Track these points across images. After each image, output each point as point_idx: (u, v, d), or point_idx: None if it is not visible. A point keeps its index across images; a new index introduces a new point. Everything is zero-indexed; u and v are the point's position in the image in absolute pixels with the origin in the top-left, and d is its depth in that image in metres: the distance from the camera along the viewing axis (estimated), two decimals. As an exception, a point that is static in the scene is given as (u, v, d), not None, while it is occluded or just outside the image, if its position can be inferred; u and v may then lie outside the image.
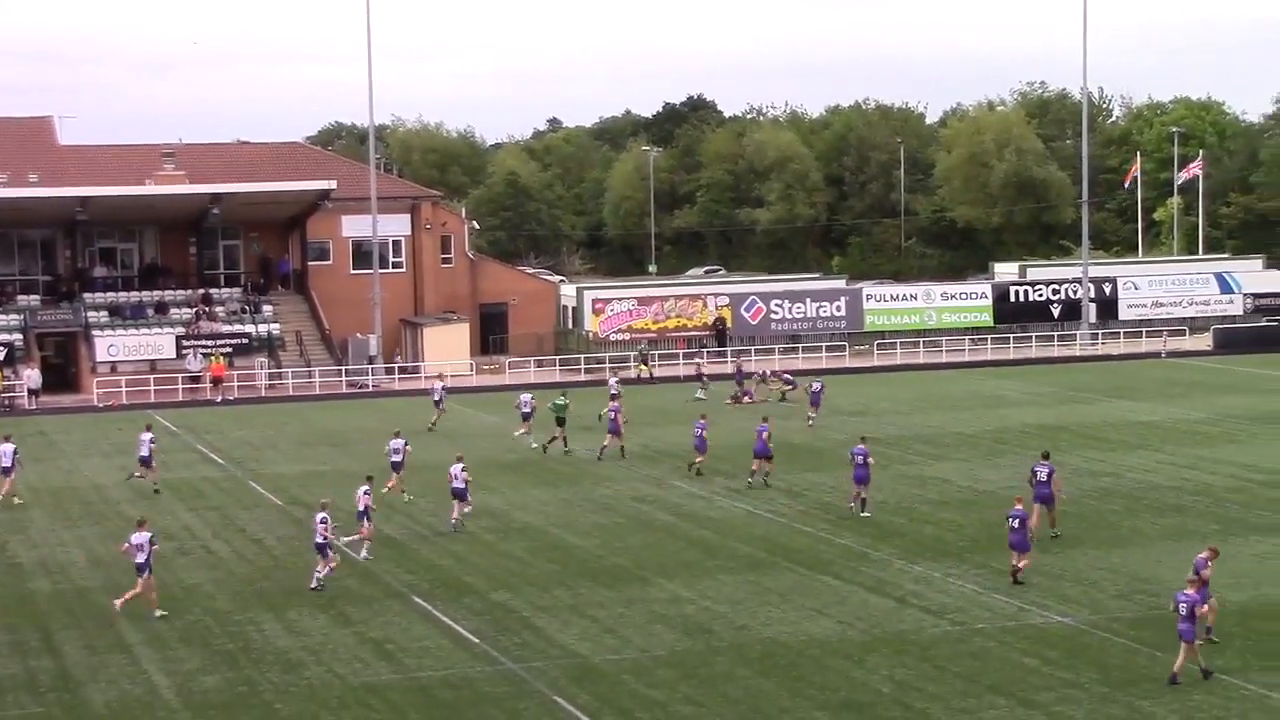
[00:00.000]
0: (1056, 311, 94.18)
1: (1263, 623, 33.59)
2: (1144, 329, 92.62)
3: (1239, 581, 37.27)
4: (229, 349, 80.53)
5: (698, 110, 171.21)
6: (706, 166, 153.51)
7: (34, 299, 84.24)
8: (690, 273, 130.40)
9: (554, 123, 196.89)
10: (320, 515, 38.71)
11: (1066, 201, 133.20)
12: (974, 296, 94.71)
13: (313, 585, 38.46)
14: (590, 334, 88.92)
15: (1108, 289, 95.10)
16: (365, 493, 41.64)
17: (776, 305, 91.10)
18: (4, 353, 78.71)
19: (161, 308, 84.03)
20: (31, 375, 76.36)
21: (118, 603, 36.49)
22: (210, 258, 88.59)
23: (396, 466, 50.08)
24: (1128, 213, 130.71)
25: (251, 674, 32.06)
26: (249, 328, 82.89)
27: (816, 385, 65.39)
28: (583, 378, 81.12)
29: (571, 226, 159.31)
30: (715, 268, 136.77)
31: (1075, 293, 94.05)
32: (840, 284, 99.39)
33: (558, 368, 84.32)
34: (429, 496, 49.63)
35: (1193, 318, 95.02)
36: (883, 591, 37.28)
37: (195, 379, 79.05)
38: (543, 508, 47.79)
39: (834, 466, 52.73)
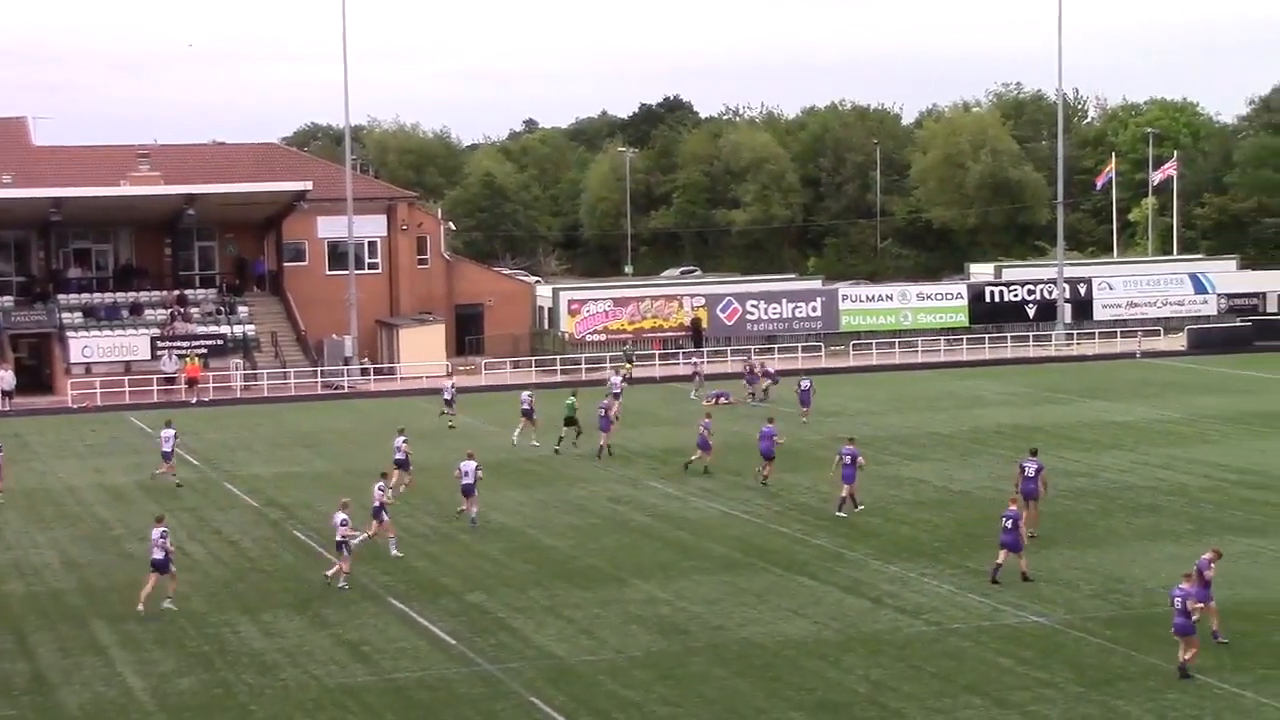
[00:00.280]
0: (1032, 312, 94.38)
1: (1236, 623, 33.68)
2: (1119, 329, 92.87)
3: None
4: (204, 350, 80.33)
5: (674, 111, 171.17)
6: (682, 167, 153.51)
7: (8, 300, 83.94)
8: (666, 273, 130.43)
9: (530, 123, 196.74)
10: (340, 516, 38.83)
11: (1042, 202, 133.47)
12: (949, 297, 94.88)
13: (329, 572, 38.79)
14: (566, 335, 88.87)
15: (1083, 289, 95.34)
16: (380, 489, 42.05)
17: (752, 306, 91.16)
18: (-22, 354, 78.46)
19: (136, 309, 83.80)
20: (5, 377, 76.05)
21: (140, 608, 36.42)
22: (185, 259, 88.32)
23: (401, 465, 50.11)
24: (1103, 213, 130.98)
25: (227, 676, 32.00)
26: (224, 329, 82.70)
27: (805, 383, 65.82)
28: (559, 378, 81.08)
29: (548, 227, 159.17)
30: (691, 269, 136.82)
31: (1050, 293, 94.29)
32: (816, 285, 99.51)
33: (534, 369, 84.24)
34: (404, 498, 49.57)
35: (1167, 318, 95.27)
36: (858, 592, 37.34)
37: (170, 380, 78.85)
38: (518, 509, 47.76)
39: (809, 467, 52.80)
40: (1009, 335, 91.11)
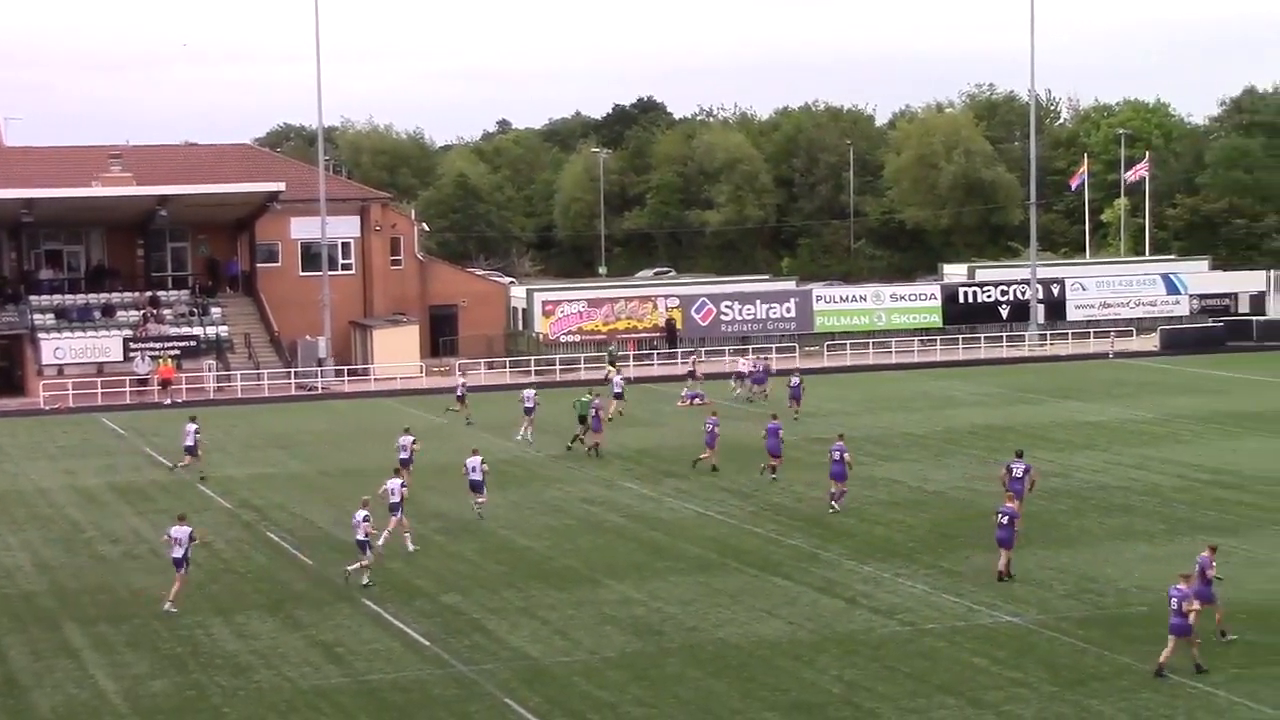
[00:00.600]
0: (1005, 312, 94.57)
1: (1208, 622, 33.71)
2: (1091, 330, 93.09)
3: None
4: (177, 351, 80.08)
5: (647, 112, 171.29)
6: (656, 168, 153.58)
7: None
8: (640, 274, 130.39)
9: (503, 124, 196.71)
10: (362, 513, 38.90)
11: (1014, 203, 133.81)
12: (923, 298, 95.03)
13: (350, 567, 38.85)
14: (540, 336, 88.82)
15: (1055, 290, 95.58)
16: (401, 486, 42.52)
17: (727, 307, 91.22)
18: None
19: (108, 310, 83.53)
20: (-23, 378, 75.79)
21: (168, 606, 36.57)
22: (158, 260, 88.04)
23: (405, 464, 50.14)
24: (1075, 214, 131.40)
25: (200, 678, 31.91)
26: (197, 330, 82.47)
27: (795, 380, 66.53)
28: (534, 379, 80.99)
29: (521, 228, 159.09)
30: (665, 269, 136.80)
31: (1023, 294, 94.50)
32: (790, 285, 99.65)
33: (508, 370, 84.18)
34: (379, 499, 49.45)
35: (1139, 318, 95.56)
36: (833, 592, 37.38)
37: (143, 381, 78.60)
38: (493, 510, 47.66)
39: (785, 467, 52.80)
40: (982, 336, 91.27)
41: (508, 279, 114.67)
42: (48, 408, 74.99)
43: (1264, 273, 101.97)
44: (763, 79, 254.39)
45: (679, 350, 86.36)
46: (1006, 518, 37.92)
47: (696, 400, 70.03)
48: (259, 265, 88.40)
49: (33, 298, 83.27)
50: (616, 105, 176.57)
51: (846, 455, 46.36)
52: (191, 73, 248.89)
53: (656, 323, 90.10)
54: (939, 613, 35.38)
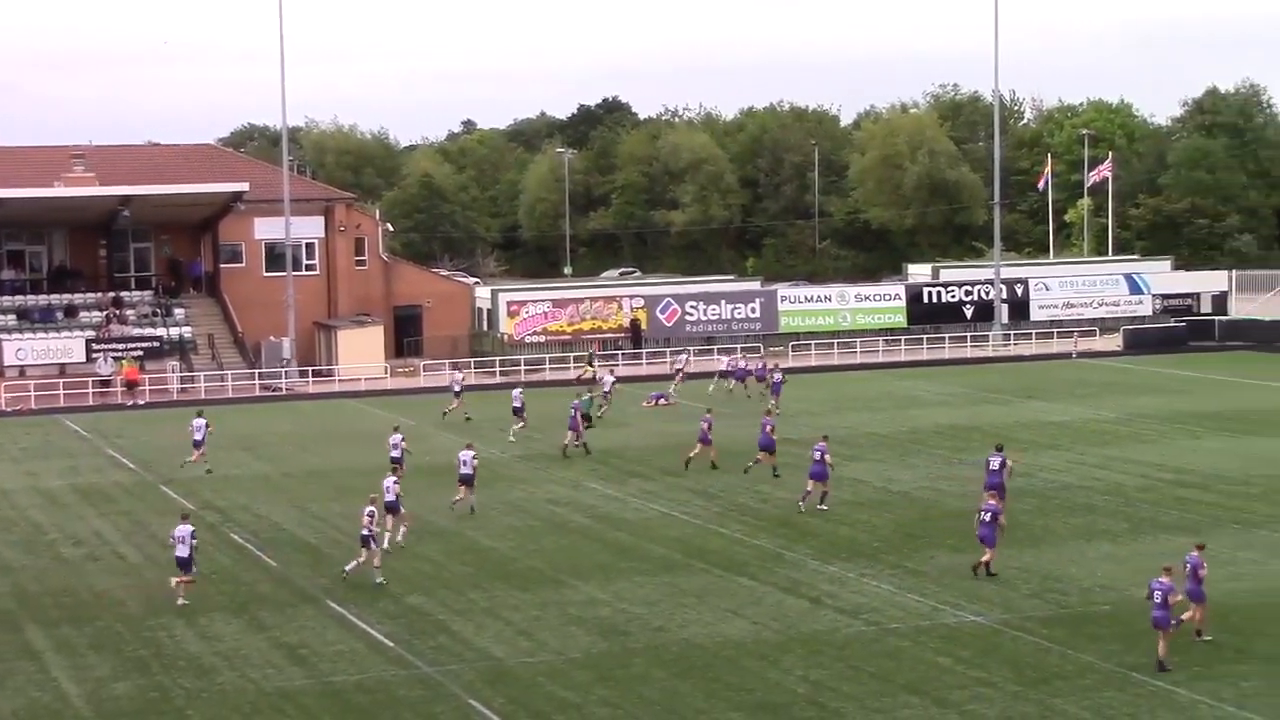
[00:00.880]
0: (969, 312, 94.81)
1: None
2: (1055, 330, 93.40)
3: (1147, 579, 37.56)
4: (140, 352, 79.70)
5: (612, 112, 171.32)
6: (621, 168, 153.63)
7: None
8: (605, 275, 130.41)
9: (469, 124, 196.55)
10: (368, 509, 39.12)
11: (979, 203, 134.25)
12: (888, 298, 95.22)
13: (344, 573, 38.96)
14: (505, 336, 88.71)
15: (1019, 290, 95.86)
16: (395, 483, 42.77)
17: (692, 307, 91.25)
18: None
19: (71, 311, 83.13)
20: (-62, 379, 75.34)
21: (180, 601, 37.04)
22: (121, 260, 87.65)
23: (397, 461, 50.25)
24: (1039, 214, 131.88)
25: (163, 680, 31.77)
26: (160, 331, 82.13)
27: (778, 376, 67.34)
28: (498, 380, 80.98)
29: (486, 228, 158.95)
30: (630, 270, 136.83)
31: (987, 294, 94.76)
32: (755, 285, 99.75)
33: (473, 370, 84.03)
34: (343, 500, 49.43)
35: (1103, 318, 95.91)
36: (798, 592, 37.42)
37: (105, 383, 78.24)
38: (457, 510, 47.58)
39: (748, 467, 52.91)
40: (947, 336, 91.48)
41: (472, 279, 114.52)
42: (9, 409, 74.56)
43: (1226, 273, 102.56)
44: (727, 79, 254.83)
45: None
46: (989, 515, 38.12)
47: (661, 401, 70.02)
48: (223, 266, 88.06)
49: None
50: (581, 105, 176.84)
51: (827, 456, 46.50)
52: (155, 72, 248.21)
53: (621, 323, 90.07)
54: (904, 612, 35.45)
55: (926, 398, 71.51)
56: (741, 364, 74.56)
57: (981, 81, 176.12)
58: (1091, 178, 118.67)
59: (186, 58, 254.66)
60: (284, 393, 79.50)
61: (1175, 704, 29.17)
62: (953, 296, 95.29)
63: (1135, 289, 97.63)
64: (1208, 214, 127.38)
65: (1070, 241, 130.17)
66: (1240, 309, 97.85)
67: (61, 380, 77.85)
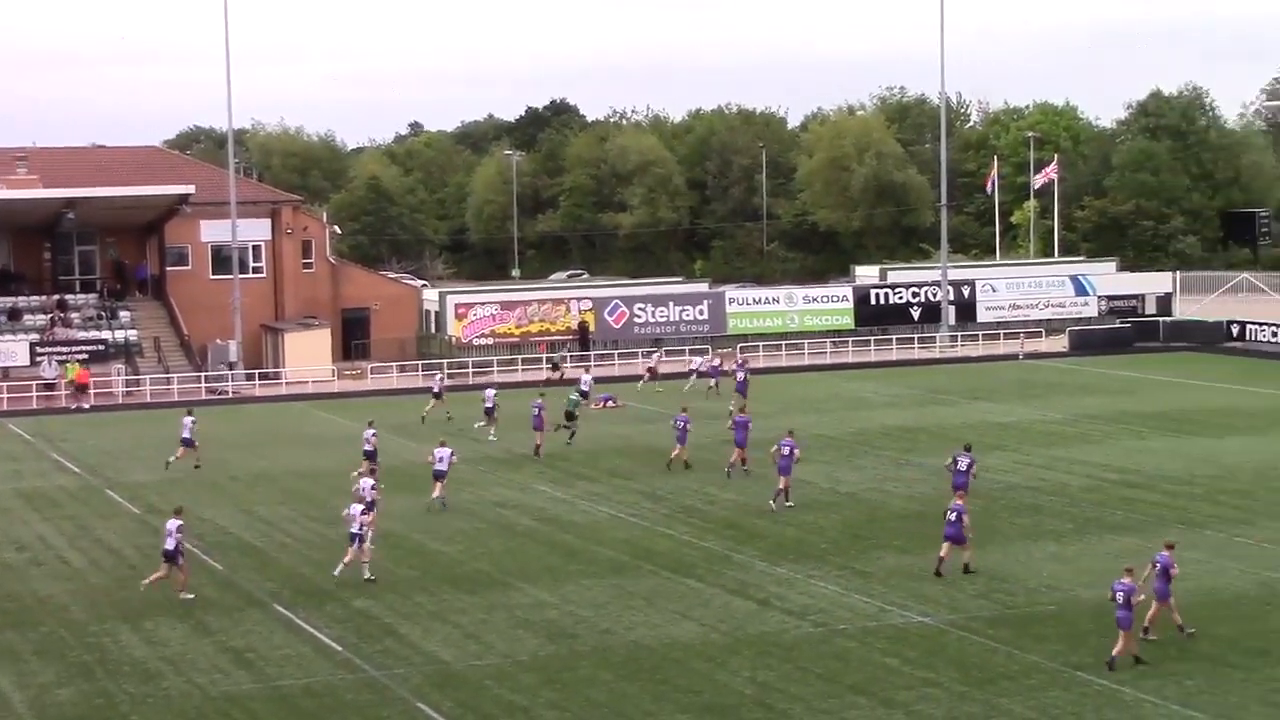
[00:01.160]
0: (916, 314, 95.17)
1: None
2: (1002, 331, 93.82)
3: (1093, 579, 37.88)
4: (85, 356, 79.20)
5: (560, 114, 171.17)
6: (569, 170, 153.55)
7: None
8: (554, 277, 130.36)
9: (415, 126, 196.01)
10: (359, 507, 39.55)
11: (926, 205, 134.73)
12: (835, 299, 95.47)
13: (336, 573, 39.02)
14: (453, 339, 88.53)
15: (966, 292, 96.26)
16: (373, 486, 42.99)
17: (640, 309, 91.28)
18: None
19: (15, 314, 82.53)
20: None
21: (184, 595, 37.51)
22: (65, 263, 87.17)
23: (370, 456, 50.82)
24: (985, 216, 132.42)
25: (108, 686, 31.57)
26: (105, 334, 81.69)
27: (741, 375, 68.78)
28: (448, 383, 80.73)
29: (434, 231, 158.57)
30: (578, 272, 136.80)
31: (934, 295, 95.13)
32: (703, 287, 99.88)
33: (420, 373, 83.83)
34: (290, 504, 49.26)
35: (1049, 320, 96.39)
36: (745, 594, 37.47)
37: (50, 386, 77.72)
38: (405, 513, 47.46)
39: (697, 469, 53.04)
40: (894, 337, 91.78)
41: (420, 282, 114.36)
42: (-47, 413, 74.00)
43: (1170, 274, 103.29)
44: (675, 82, 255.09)
45: (592, 352, 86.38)
46: (955, 514, 38.36)
47: (609, 403, 70.04)
48: (169, 268, 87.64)
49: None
50: (529, 108, 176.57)
51: (796, 451, 46.90)
52: (99, 74, 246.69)
53: (569, 325, 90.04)
54: (851, 613, 35.55)
55: (874, 399, 71.74)
56: (715, 363, 75.16)
57: (928, 84, 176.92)
58: (1038, 180, 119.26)
59: (131, 59, 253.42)
60: (230, 396, 79.16)
61: (1120, 702, 29.34)
62: (900, 298, 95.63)
63: (1081, 290, 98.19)
64: (1152, 216, 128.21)
65: (1016, 243, 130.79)
66: (1184, 310, 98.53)
67: (5, 384, 77.27)
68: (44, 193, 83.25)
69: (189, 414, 57.90)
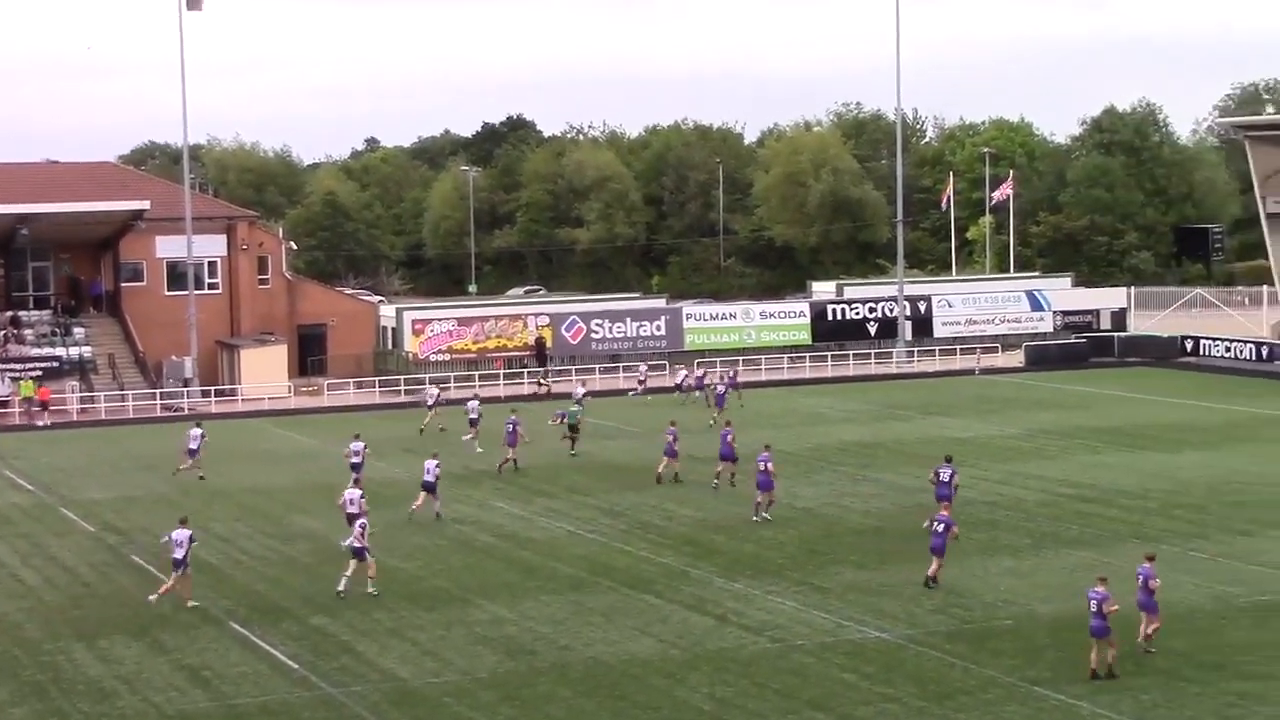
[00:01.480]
0: (873, 329, 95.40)
1: (1072, 634, 34.24)
2: (958, 346, 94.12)
3: (1049, 594, 38.04)
4: (39, 372, 78.74)
5: (517, 130, 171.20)
6: (526, 186, 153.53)
7: None
8: (511, 293, 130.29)
9: (372, 142, 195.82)
10: (361, 521, 39.67)
11: (882, 220, 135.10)
12: (792, 315, 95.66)
13: (339, 589, 38.96)
14: (410, 355, 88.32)
15: (923, 307, 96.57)
16: (360, 497, 43.63)
17: (597, 325, 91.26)
18: None
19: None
20: None
21: (152, 598, 38.03)
22: (19, 279, 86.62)
23: (356, 469, 50.94)
24: (941, 232, 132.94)
25: (62, 704, 31.36)
26: (60, 350, 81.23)
27: (721, 388, 69.94)
28: (402, 399, 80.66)
29: (390, 246, 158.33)
30: (535, 287, 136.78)
31: (891, 311, 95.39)
32: (660, 303, 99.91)
33: (377, 389, 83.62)
34: (246, 520, 49.07)
35: (1005, 335, 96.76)
36: (703, 610, 37.47)
37: (3, 403, 77.19)
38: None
39: (655, 485, 53.06)
40: (851, 353, 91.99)
41: (377, 298, 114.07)
42: (-95, 430, 73.43)
43: (1124, 289, 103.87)
44: (632, 97, 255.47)
45: (548, 368, 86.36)
46: (941, 525, 38.55)
47: (566, 419, 69.84)
48: (123, 284, 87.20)
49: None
50: (485, 123, 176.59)
51: (770, 465, 47.35)
52: (53, 89, 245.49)
53: (526, 341, 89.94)
54: (809, 629, 35.58)
55: (831, 414, 71.87)
56: (698, 374, 76.62)
57: (884, 100, 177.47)
58: (995, 197, 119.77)
59: (85, 74, 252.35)
60: (185, 413, 78.72)
61: (1077, 717, 29.45)
62: (857, 313, 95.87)
63: (1036, 306, 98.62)
64: (1106, 231, 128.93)
65: (972, 259, 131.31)
66: (1139, 325, 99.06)
67: (-42, 401, 76.74)
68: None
69: (198, 425, 58.79)
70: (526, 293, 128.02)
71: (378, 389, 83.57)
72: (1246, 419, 67.32)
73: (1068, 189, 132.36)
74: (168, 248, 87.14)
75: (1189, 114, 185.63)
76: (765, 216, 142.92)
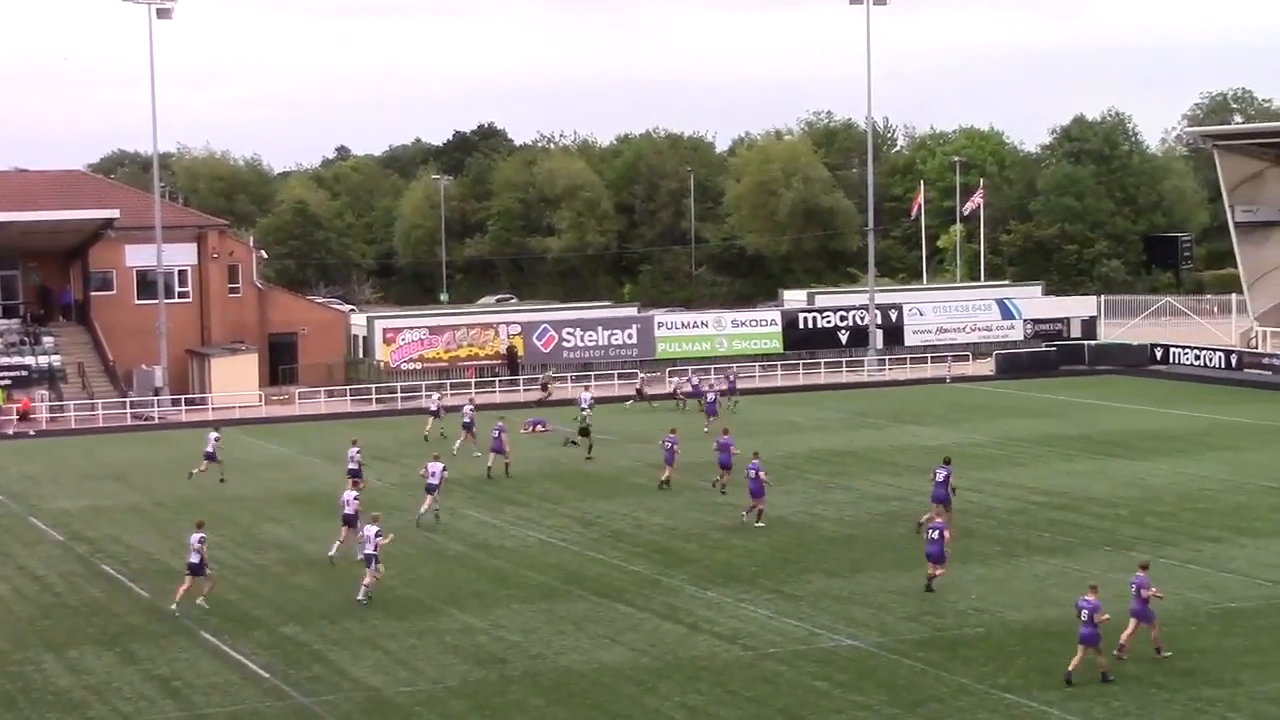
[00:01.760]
0: (844, 337, 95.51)
1: (1043, 641, 34.38)
2: (929, 354, 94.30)
3: (1021, 601, 38.12)
4: (8, 382, 78.43)
5: (488, 138, 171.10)
6: (497, 194, 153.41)
7: None
8: (482, 301, 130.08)
9: (342, 151, 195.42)
10: (374, 528, 39.62)
11: (853, 229, 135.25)
12: (764, 323, 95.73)
13: (360, 598, 39.02)
14: (381, 364, 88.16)
15: (894, 315, 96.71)
16: (355, 498, 43.91)
17: (569, 333, 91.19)
18: None
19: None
20: None
21: (200, 601, 38.25)
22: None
23: (354, 474, 50.94)
24: (912, 240, 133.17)
25: (31, 716, 31.22)
26: (29, 359, 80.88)
27: (711, 396, 70.39)
28: (374, 407, 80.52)
29: (362, 255, 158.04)
30: (507, 296, 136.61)
31: (862, 319, 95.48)
32: (632, 312, 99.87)
33: (349, 398, 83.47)
34: (216, 530, 48.89)
35: (976, 343, 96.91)
36: (675, 618, 37.46)
37: (-26, 413, 76.93)
38: (333, 539, 47.18)
39: (626, 493, 53.07)
40: (822, 361, 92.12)
41: (348, 306, 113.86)
42: (-127, 440, 73.06)
43: (1094, 298, 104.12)
44: (603, 106, 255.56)
45: (521, 377, 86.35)
46: (936, 532, 38.72)
47: (539, 427, 69.92)
48: (93, 293, 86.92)
49: None
50: (456, 132, 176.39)
51: (762, 473, 47.60)
52: (21, 97, 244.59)
53: (498, 350, 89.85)
54: (781, 637, 35.60)
55: (803, 423, 71.92)
56: (695, 381, 77.39)
57: (855, 109, 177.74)
58: (967, 207, 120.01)
59: (54, 82, 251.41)
60: (156, 422, 78.52)
61: (1048, 724, 29.53)
62: (828, 322, 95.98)
63: (1007, 314, 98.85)
64: (1076, 240, 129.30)
65: (943, 267, 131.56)
66: (1109, 333, 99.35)
67: (-74, 410, 76.37)
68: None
69: (215, 430, 59.63)
70: (498, 301, 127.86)
71: (349, 398, 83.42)
72: (1216, 426, 67.57)
73: (1038, 198, 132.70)
74: (137, 256, 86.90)
75: (1158, 123, 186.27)
76: (736, 225, 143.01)
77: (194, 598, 38.62)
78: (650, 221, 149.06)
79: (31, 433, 74.35)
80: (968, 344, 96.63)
